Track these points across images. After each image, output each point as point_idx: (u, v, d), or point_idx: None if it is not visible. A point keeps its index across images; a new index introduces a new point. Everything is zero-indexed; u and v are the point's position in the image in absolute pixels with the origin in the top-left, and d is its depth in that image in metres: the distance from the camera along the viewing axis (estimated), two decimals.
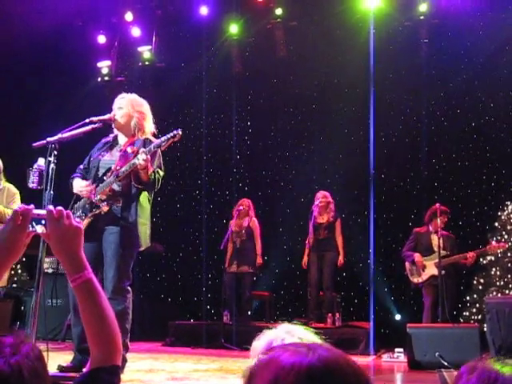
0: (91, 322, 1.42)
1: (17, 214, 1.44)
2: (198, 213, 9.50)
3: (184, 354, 6.08)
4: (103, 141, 4.42)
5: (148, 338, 7.53)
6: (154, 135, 4.39)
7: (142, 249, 4.23)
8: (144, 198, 4.23)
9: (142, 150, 3.88)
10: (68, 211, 1.48)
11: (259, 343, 1.46)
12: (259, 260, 7.68)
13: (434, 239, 6.70)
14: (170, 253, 9.42)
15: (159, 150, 4.09)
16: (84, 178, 4.31)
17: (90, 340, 1.41)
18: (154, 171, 4.03)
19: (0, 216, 5.39)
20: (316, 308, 7.49)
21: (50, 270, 7.27)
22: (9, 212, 5.45)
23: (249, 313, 7.70)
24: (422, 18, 8.49)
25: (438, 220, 6.56)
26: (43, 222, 1.46)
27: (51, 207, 1.47)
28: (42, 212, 1.46)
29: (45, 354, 3.34)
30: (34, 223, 1.46)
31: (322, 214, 7.44)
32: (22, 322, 7.69)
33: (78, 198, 4.23)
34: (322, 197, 7.45)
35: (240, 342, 6.78)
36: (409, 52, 8.71)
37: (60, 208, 1.47)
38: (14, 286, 7.80)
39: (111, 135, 4.42)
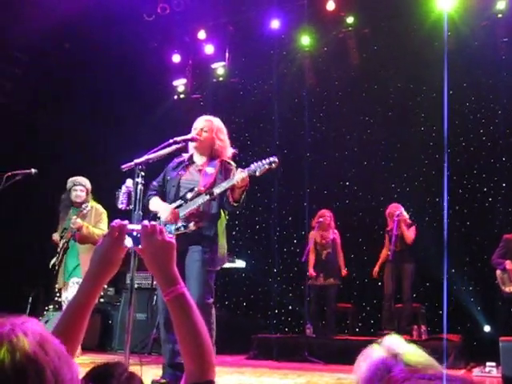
0: (186, 337, 1.41)
1: (113, 228, 1.49)
2: (275, 225, 9.50)
3: (269, 368, 6.07)
4: (177, 160, 4.47)
5: (230, 351, 7.58)
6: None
7: (223, 265, 4.31)
8: (223, 216, 4.30)
9: (241, 170, 3.99)
10: (161, 227, 1.50)
11: (363, 365, 1.42)
12: (344, 271, 7.80)
13: None
14: (250, 266, 9.46)
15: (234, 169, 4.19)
16: (160, 196, 4.38)
17: (185, 355, 1.40)
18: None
19: (89, 235, 5.59)
20: (390, 320, 7.33)
21: (135, 285, 7.46)
22: (96, 231, 5.62)
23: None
24: (500, 16, 8.20)
25: None
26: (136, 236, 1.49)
27: (146, 222, 1.50)
28: (137, 227, 1.50)
29: (138, 367, 3.39)
30: (129, 239, 1.49)
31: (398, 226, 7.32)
32: (110, 336, 7.95)
33: (156, 215, 4.28)
34: (396, 210, 7.36)
35: (323, 355, 6.73)
36: (487, 53, 8.40)
37: (154, 223, 1.50)
38: (102, 300, 8.06)
39: (184, 154, 4.47)
